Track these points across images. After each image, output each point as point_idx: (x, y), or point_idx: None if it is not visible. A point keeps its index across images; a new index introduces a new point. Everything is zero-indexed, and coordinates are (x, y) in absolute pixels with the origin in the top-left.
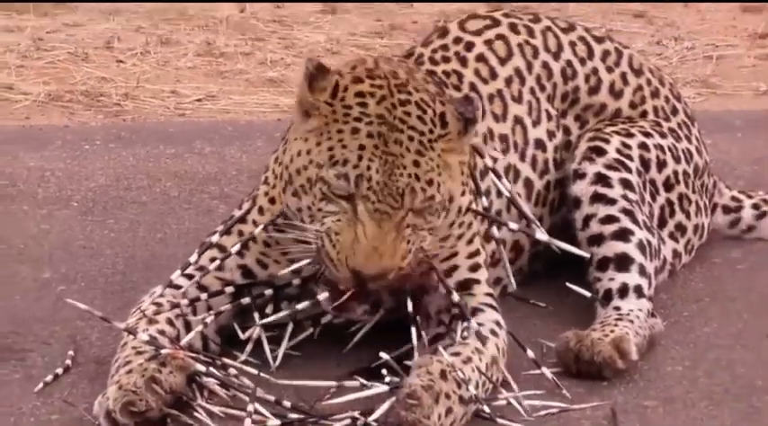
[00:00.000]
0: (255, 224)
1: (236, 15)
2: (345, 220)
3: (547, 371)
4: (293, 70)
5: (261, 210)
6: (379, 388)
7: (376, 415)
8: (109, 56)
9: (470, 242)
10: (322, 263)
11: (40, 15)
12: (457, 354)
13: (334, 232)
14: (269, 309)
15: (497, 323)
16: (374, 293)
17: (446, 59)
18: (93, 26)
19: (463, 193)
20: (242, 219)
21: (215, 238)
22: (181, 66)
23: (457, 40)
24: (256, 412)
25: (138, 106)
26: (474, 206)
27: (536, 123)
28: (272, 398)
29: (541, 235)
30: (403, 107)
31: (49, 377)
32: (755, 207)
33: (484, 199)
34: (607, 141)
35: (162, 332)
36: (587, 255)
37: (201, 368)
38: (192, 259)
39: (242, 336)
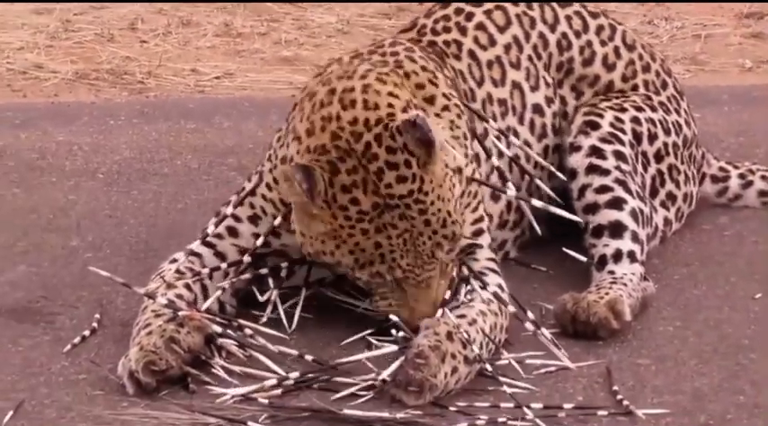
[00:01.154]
0: (265, 198)
1: None
2: (396, 301)
3: (545, 332)
4: (306, 49)
5: (269, 187)
6: (389, 348)
7: (386, 374)
8: (133, 36)
9: (475, 209)
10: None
11: None
12: (462, 316)
13: (392, 313)
14: (283, 273)
15: (500, 287)
16: None
17: (447, 29)
18: (117, 8)
19: (465, 165)
20: (252, 193)
21: (228, 210)
22: (201, 46)
23: (458, 11)
24: (273, 371)
25: (160, 84)
26: (477, 174)
27: (534, 88)
28: (295, 352)
29: (537, 202)
30: (382, 180)
31: (77, 339)
32: (741, 176)
33: (494, 159)
34: (601, 116)
35: (180, 297)
36: (581, 221)
37: (218, 329)
38: (210, 230)
39: (260, 298)
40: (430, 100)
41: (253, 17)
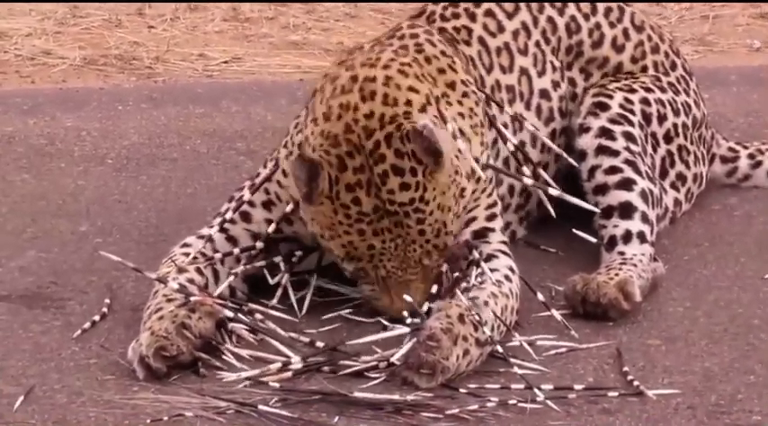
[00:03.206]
0: (280, 184)
1: None
2: (377, 290)
3: (556, 313)
4: (314, 34)
5: (284, 173)
6: (401, 330)
7: (398, 355)
8: (141, 22)
9: (490, 194)
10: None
11: None
12: (475, 298)
13: (373, 298)
14: (294, 258)
15: (511, 269)
16: None
17: (456, 15)
18: None
19: (481, 153)
20: (268, 179)
21: (246, 195)
22: (209, 31)
23: None
24: (285, 355)
25: (168, 69)
26: (491, 160)
27: (541, 74)
28: (306, 339)
29: (554, 190)
30: (386, 185)
31: (87, 324)
32: (751, 157)
33: (510, 144)
34: (611, 97)
35: (191, 281)
36: (596, 209)
37: (229, 313)
38: (228, 216)
39: (270, 281)
40: (451, 85)
41: (260, 1)
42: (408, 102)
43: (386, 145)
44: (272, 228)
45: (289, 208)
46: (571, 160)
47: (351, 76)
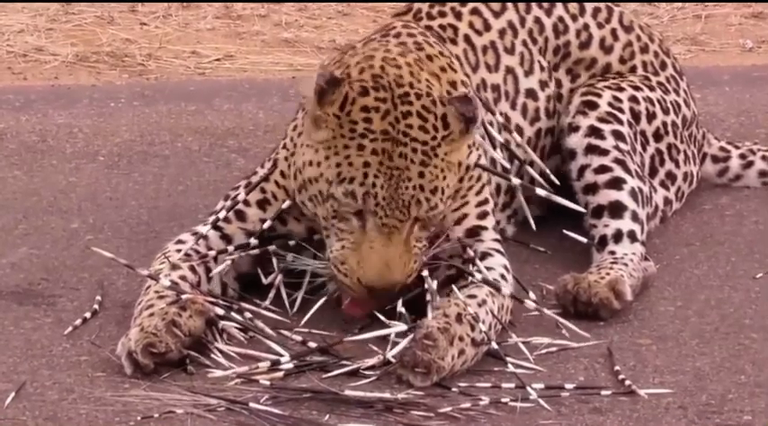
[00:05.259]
0: (278, 184)
1: None
2: (351, 243)
3: (548, 312)
4: (306, 31)
5: (283, 174)
6: (398, 327)
7: (393, 352)
8: (133, 18)
9: (479, 192)
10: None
11: None
12: (473, 296)
13: (340, 262)
14: (290, 258)
15: (505, 267)
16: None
17: (442, 14)
18: None
19: (470, 153)
20: (265, 179)
21: (241, 196)
22: (201, 28)
23: None
24: (277, 353)
25: (160, 66)
26: (483, 160)
27: (528, 73)
28: (299, 338)
29: (542, 191)
30: (406, 120)
31: (78, 321)
32: (742, 157)
33: (498, 151)
34: (599, 95)
35: (183, 278)
36: (582, 210)
37: (221, 311)
38: (222, 215)
39: (264, 281)
40: (452, 84)
41: (253, 1)
42: (429, 85)
43: (415, 97)
44: (267, 225)
45: (285, 204)
46: (553, 178)
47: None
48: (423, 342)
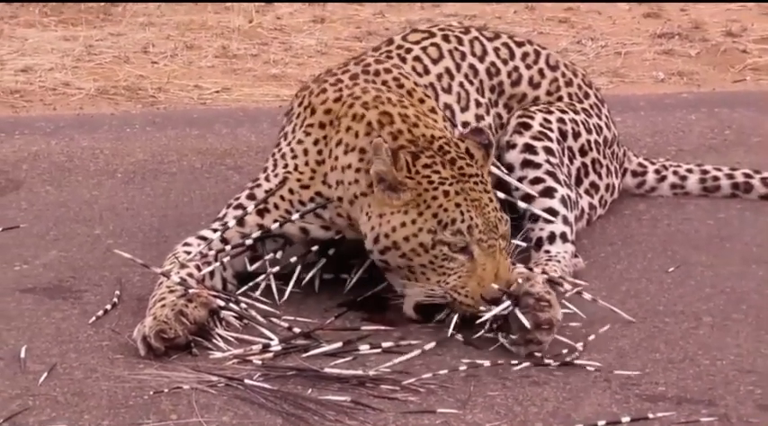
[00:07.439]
0: (283, 199)
1: (246, 25)
2: (466, 272)
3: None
4: (291, 68)
5: (291, 191)
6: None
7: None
8: (145, 58)
9: None
10: (456, 308)
11: (91, 27)
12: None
13: (460, 286)
14: (279, 255)
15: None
16: None
17: (389, 58)
18: (132, 35)
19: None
20: (272, 193)
21: (250, 208)
22: (202, 66)
23: (399, 47)
24: (268, 337)
25: (168, 97)
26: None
27: (464, 109)
28: (286, 324)
29: (521, 203)
30: (456, 164)
31: (100, 312)
32: (657, 172)
33: None
34: (532, 117)
35: (191, 275)
36: (554, 219)
37: (221, 303)
38: (231, 224)
39: (249, 268)
40: (432, 110)
41: (246, 41)
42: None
43: (446, 145)
44: (256, 234)
45: (295, 216)
46: (530, 209)
47: (381, 112)
48: (540, 304)
